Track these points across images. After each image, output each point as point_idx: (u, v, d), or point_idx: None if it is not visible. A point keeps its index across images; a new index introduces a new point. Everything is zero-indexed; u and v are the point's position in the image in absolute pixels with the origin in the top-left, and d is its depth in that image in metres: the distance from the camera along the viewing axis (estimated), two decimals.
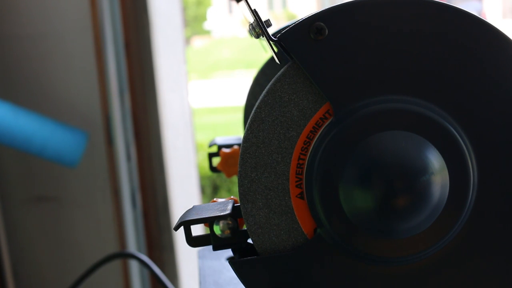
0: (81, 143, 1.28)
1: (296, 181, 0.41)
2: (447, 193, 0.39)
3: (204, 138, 3.91)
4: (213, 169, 0.65)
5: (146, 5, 1.39)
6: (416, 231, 0.39)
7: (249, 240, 0.42)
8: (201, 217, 0.41)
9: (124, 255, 1.18)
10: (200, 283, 0.59)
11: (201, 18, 12.51)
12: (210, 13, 12.62)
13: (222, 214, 0.41)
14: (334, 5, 0.39)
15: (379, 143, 0.38)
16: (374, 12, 0.39)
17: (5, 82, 1.38)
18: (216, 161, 0.65)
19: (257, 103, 0.40)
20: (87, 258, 1.38)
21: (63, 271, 1.46)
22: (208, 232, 0.42)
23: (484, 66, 0.39)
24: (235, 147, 0.63)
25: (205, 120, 5.57)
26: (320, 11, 0.39)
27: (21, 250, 1.45)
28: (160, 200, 1.48)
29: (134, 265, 1.45)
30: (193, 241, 0.42)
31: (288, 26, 0.40)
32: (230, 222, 0.41)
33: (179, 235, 1.49)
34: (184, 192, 1.58)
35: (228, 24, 12.18)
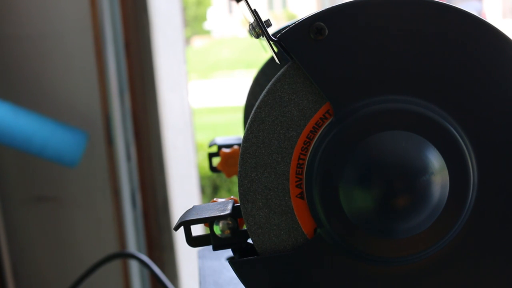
0: (81, 143, 1.28)
1: (296, 181, 0.41)
2: (447, 193, 0.39)
3: (204, 138, 3.91)
4: (213, 169, 0.65)
5: (146, 5, 1.39)
6: (416, 231, 0.39)
7: (249, 240, 0.42)
8: (201, 217, 0.41)
9: (124, 255, 1.18)
10: (200, 283, 0.59)
11: (201, 18, 12.51)
12: (210, 13, 12.62)
13: (222, 214, 0.41)
14: (334, 5, 0.39)
15: (379, 143, 0.38)
16: (374, 12, 0.39)
17: (5, 82, 1.38)
18: (216, 161, 0.65)
19: (257, 103, 0.40)
20: (87, 258, 1.38)
21: (63, 271, 1.46)
22: (208, 232, 0.42)
23: (484, 66, 0.39)
24: (235, 147, 0.63)
25: (205, 120, 5.57)
26: (320, 11, 0.39)
27: (21, 250, 1.45)
28: (160, 200, 1.48)
29: (134, 265, 1.45)
30: (193, 241, 0.42)
31: (288, 26, 0.40)
32: (230, 222, 0.41)
33: (179, 235, 1.49)
34: (184, 192, 1.58)
35: (228, 24, 12.18)
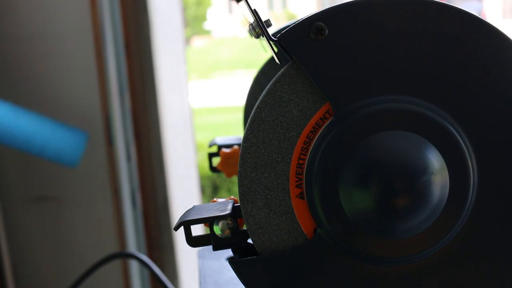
0: (81, 143, 1.28)
1: (296, 181, 0.41)
2: (447, 193, 0.39)
3: (204, 138, 3.91)
4: (213, 169, 0.65)
5: (146, 5, 1.39)
6: (416, 231, 0.39)
7: (249, 240, 0.42)
8: (201, 217, 0.41)
9: (124, 255, 1.18)
10: (200, 283, 0.59)
11: (201, 18, 12.51)
12: (210, 13, 12.62)
13: (222, 214, 0.41)
14: (334, 5, 0.39)
15: (379, 143, 0.38)
16: (374, 12, 0.39)
17: (5, 82, 1.38)
18: (216, 161, 0.65)
19: (257, 103, 0.40)
20: (87, 258, 1.38)
21: (63, 271, 1.46)
22: (208, 232, 0.42)
23: (484, 66, 0.39)
24: (235, 147, 0.63)
25: (205, 120, 5.57)
26: (320, 11, 0.39)
27: (21, 250, 1.45)
28: (160, 200, 1.48)
29: (134, 265, 1.45)
30: (193, 241, 0.42)
31: (288, 26, 0.40)
32: (230, 222, 0.41)
33: (179, 235, 1.49)
34: (184, 192, 1.58)
35: (228, 24, 12.18)
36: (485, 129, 0.40)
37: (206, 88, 7.65)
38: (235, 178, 0.57)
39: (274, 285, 0.41)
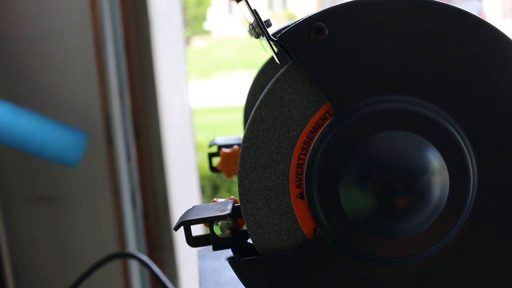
0: (81, 143, 1.28)
1: (296, 181, 0.41)
2: (447, 193, 0.39)
3: (204, 138, 3.91)
4: (213, 169, 0.65)
5: (146, 5, 1.39)
6: (416, 231, 0.39)
7: (249, 240, 0.42)
8: (201, 217, 0.41)
9: (124, 255, 1.18)
10: (200, 283, 0.59)
11: (201, 18, 12.51)
12: (210, 13, 12.62)
13: (222, 214, 0.41)
14: (334, 5, 0.39)
15: (379, 143, 0.38)
16: (374, 12, 0.39)
17: (5, 82, 1.38)
18: (216, 161, 0.65)
19: (257, 103, 0.40)
20: (87, 258, 1.38)
21: (63, 271, 1.46)
22: (208, 232, 0.42)
23: (484, 66, 0.39)
24: (235, 147, 0.63)
25: (205, 120, 5.57)
26: (320, 11, 0.39)
27: (21, 250, 1.45)
28: (160, 200, 1.48)
29: (134, 265, 1.45)
30: (193, 241, 0.42)
31: (288, 26, 0.40)
32: (230, 222, 0.41)
33: (179, 235, 1.49)
34: (184, 192, 1.58)
35: (228, 24, 12.18)
36: (485, 129, 0.40)
37: (206, 88, 7.65)
38: (235, 178, 0.57)
39: (274, 285, 0.41)
